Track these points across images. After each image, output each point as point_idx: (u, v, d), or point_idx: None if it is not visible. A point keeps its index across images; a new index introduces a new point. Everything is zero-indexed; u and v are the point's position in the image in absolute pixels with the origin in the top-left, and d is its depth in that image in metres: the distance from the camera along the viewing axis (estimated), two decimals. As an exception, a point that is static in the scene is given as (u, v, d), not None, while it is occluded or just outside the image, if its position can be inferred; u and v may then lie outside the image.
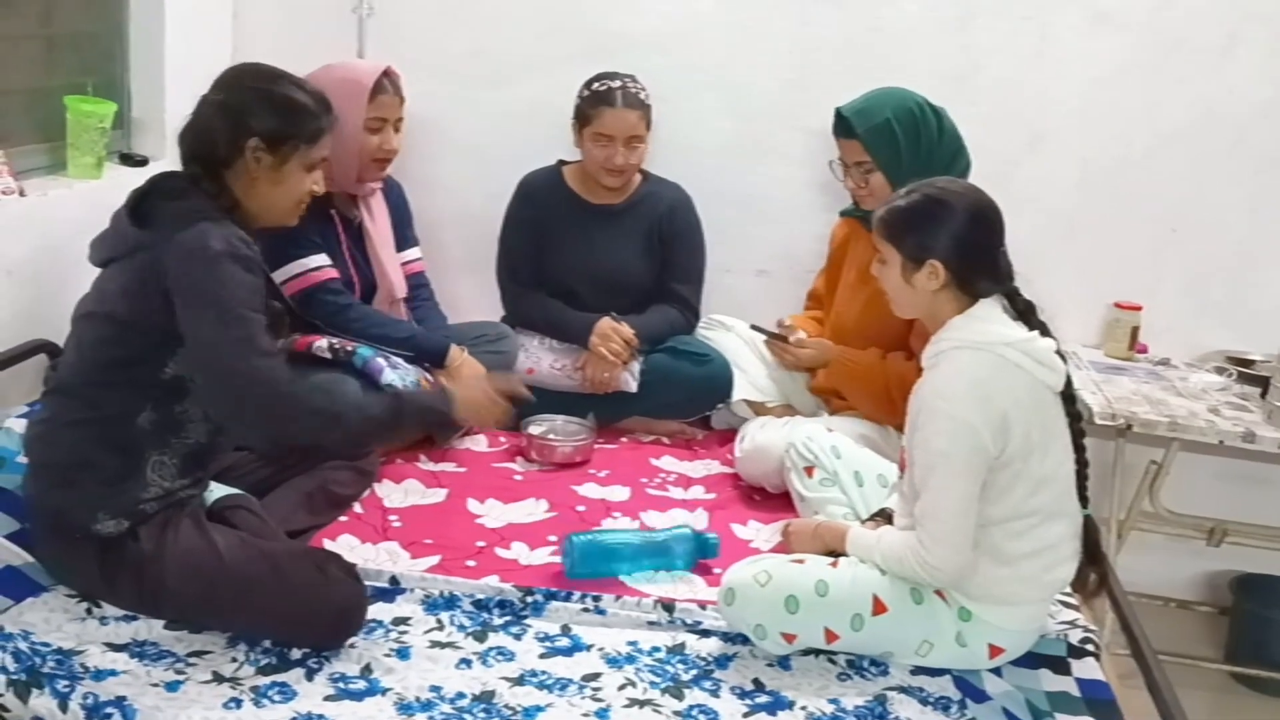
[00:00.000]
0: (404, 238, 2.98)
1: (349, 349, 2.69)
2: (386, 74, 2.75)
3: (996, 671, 2.09)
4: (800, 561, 2.11)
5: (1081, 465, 2.07)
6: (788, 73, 3.29)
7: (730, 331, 3.17)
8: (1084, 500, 2.10)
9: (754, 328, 3.04)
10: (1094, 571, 2.13)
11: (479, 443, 2.94)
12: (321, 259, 2.73)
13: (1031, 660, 2.12)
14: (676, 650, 2.08)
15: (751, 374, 3.07)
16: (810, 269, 3.23)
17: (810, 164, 3.27)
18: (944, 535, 1.96)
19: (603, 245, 3.13)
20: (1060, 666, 2.13)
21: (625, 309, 3.10)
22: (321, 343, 2.70)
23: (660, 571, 2.32)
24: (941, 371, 1.99)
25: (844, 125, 2.73)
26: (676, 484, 2.78)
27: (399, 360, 2.74)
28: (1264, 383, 3.01)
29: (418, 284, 3.01)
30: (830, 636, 2.05)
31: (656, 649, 2.08)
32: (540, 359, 3.04)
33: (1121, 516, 3.15)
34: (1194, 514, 3.17)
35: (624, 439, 3.05)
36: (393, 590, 2.18)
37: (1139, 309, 3.25)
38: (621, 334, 3.01)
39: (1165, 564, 3.40)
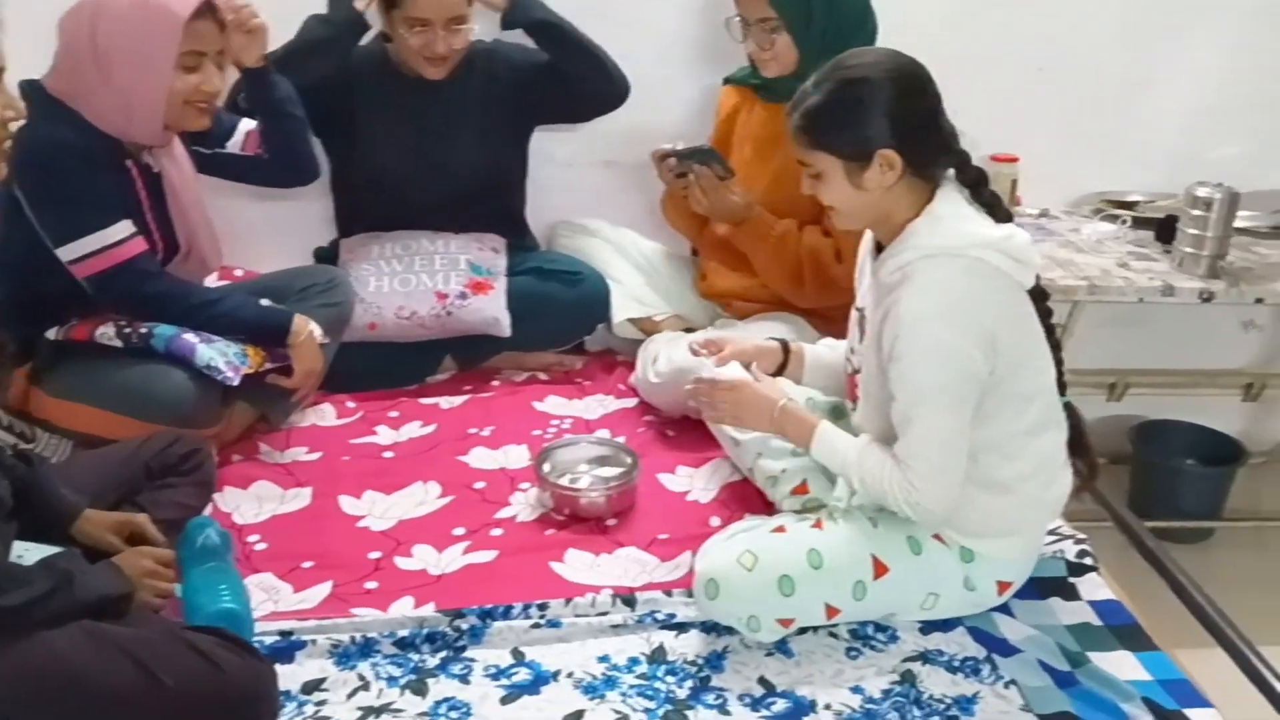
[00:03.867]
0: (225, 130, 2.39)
1: (143, 330, 2.14)
2: (207, 2, 2.10)
3: (1008, 612, 1.85)
4: (781, 529, 1.77)
5: (1058, 361, 1.81)
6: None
7: (594, 236, 2.76)
8: (1062, 388, 1.84)
9: (665, 155, 2.43)
10: (1082, 460, 1.89)
11: (325, 415, 2.43)
12: (126, 228, 2.11)
13: (1036, 589, 1.90)
14: (657, 658, 1.72)
15: (629, 285, 2.67)
16: (665, 153, 2.82)
17: (654, 32, 2.85)
18: (933, 475, 1.69)
19: (435, 129, 2.62)
20: (1067, 591, 1.92)
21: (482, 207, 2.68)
22: (107, 329, 2.14)
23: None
24: (916, 287, 1.65)
25: None
26: (574, 430, 2.37)
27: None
28: (1155, 224, 2.86)
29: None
30: (831, 612, 1.74)
31: (635, 661, 1.72)
32: (382, 309, 2.51)
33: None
34: (1091, 368, 3.03)
35: (495, 381, 2.60)
36: (286, 646, 1.71)
37: (1016, 160, 3.02)
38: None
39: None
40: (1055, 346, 1.81)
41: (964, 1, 2.95)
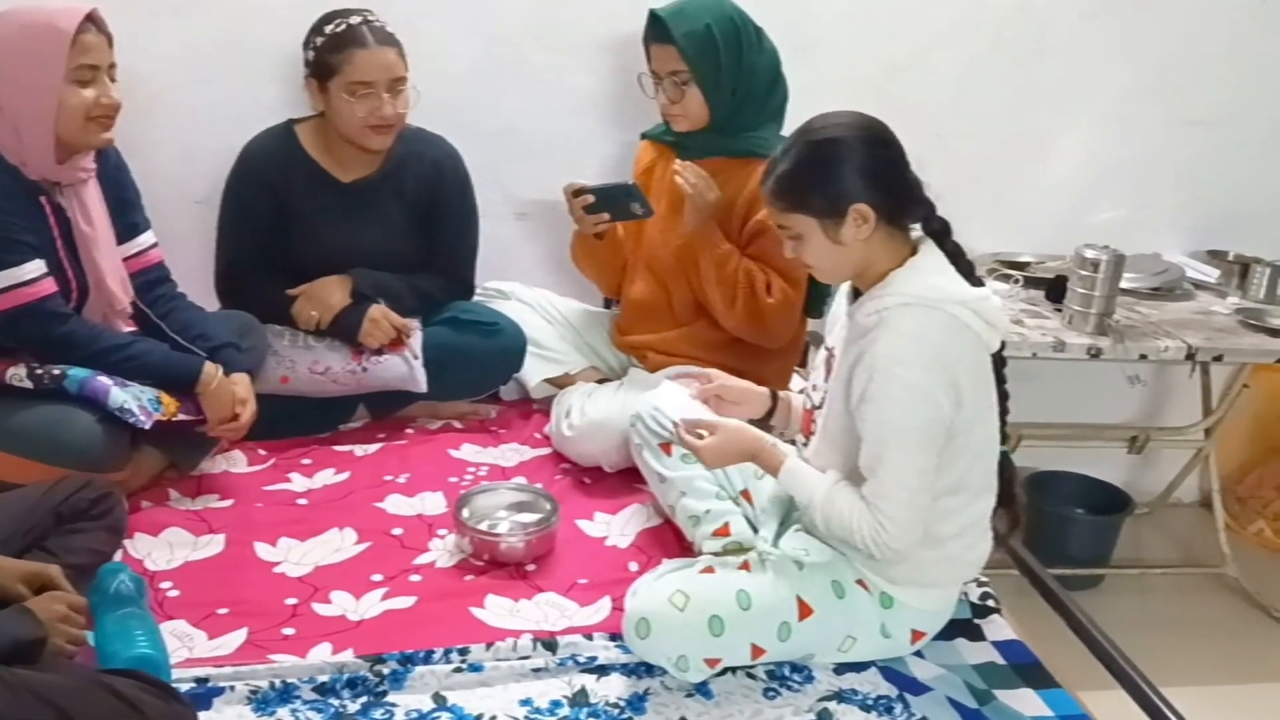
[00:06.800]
0: (130, 224, 2.29)
1: (55, 372, 2.10)
2: (90, 17, 2.06)
3: (918, 653, 1.91)
4: (710, 570, 1.82)
5: (1003, 414, 1.89)
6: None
7: (508, 299, 2.77)
8: (1004, 437, 1.92)
9: (579, 191, 2.45)
10: (1008, 515, 1.96)
11: (236, 462, 2.40)
12: (38, 267, 2.07)
13: (943, 630, 1.96)
14: (580, 701, 1.74)
15: (543, 343, 2.69)
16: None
17: (571, 89, 2.92)
18: (902, 515, 1.73)
19: (359, 229, 2.57)
20: (972, 632, 2.00)
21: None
22: (18, 370, 2.10)
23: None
24: (893, 331, 1.72)
25: (659, 29, 2.41)
26: (491, 477, 2.38)
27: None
28: (1046, 284, 3.00)
29: (157, 279, 2.34)
30: (756, 652, 1.78)
31: (557, 704, 1.73)
32: (295, 363, 2.50)
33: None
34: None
35: (409, 429, 2.60)
36: (204, 692, 1.68)
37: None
38: (392, 322, 2.52)
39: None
40: (1004, 412, 1.89)
41: (871, 69, 3.07)
